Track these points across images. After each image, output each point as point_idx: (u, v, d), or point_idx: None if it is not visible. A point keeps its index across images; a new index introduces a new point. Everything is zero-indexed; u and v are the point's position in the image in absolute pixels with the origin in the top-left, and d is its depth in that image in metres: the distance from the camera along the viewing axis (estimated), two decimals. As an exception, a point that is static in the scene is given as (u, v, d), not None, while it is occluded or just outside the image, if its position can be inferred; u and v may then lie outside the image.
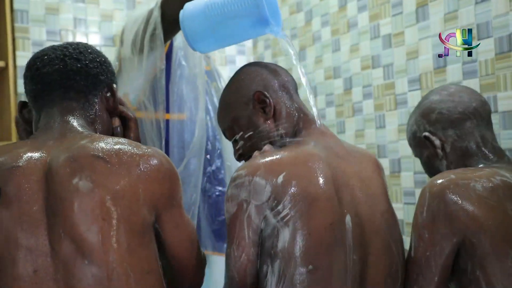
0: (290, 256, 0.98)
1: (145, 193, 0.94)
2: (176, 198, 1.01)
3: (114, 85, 1.13)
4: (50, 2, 2.14)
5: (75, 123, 1.03)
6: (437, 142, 1.21)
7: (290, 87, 1.19)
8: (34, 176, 0.93)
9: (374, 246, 1.05)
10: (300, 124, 1.14)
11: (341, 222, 1.01)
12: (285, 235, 0.99)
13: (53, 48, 1.08)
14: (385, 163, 1.86)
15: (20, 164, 0.93)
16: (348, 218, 1.02)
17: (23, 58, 2.06)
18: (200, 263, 1.09)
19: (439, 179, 1.06)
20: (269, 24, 1.19)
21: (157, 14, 1.56)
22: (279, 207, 0.99)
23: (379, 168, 1.17)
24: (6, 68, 2.00)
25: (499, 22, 1.48)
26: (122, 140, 0.99)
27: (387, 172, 1.86)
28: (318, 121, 1.15)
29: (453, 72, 1.61)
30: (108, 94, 1.11)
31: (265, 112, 1.14)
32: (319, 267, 0.98)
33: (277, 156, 1.04)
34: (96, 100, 1.08)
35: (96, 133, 1.07)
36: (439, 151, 1.21)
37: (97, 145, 0.95)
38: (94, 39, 2.22)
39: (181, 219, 1.03)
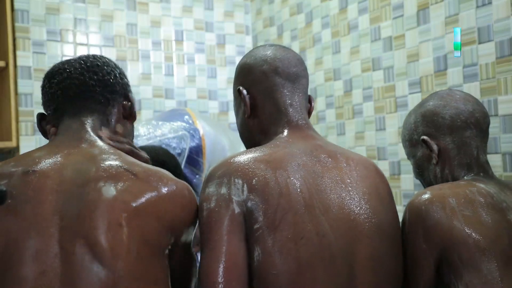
0: (265, 276, 0.94)
1: (167, 215, 0.97)
2: (190, 230, 1.04)
3: (130, 94, 1.19)
4: (50, 2, 2.13)
5: (95, 131, 1.09)
6: (434, 147, 1.20)
7: (285, 87, 1.12)
8: (49, 180, 0.95)
9: (361, 257, 0.99)
10: (281, 127, 1.10)
11: (316, 235, 0.95)
12: (257, 253, 0.94)
13: (70, 62, 1.14)
14: (384, 165, 1.87)
15: (36, 168, 0.96)
16: (324, 229, 0.96)
17: (23, 58, 2.05)
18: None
19: (418, 197, 1.07)
20: None
21: None
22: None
23: (373, 173, 1.08)
24: (6, 67, 2.00)
25: (500, 26, 1.48)
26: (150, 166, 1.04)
27: (386, 174, 1.86)
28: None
29: (454, 76, 1.62)
30: (125, 102, 1.17)
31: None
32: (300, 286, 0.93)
33: (248, 157, 1.01)
34: (114, 110, 1.15)
35: (118, 138, 1.13)
36: (435, 155, 1.20)
37: (128, 160, 1.01)
38: (94, 39, 2.21)
39: (185, 254, 1.05)
